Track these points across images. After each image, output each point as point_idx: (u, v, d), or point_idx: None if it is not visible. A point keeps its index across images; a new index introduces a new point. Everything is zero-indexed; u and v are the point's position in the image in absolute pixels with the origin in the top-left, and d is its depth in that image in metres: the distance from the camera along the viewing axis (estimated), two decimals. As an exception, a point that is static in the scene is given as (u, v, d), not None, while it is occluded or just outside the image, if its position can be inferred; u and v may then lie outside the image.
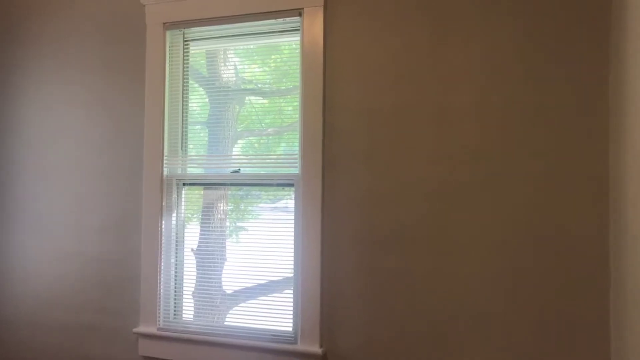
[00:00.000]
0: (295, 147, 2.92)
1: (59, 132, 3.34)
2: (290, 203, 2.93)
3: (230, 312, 3.07)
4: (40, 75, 3.40)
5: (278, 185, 2.95)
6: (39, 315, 3.36)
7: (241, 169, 3.01)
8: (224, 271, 3.08)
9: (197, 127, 3.17)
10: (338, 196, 2.75)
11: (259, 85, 3.09)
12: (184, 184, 3.12)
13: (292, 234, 2.86)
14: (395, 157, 2.67)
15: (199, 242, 3.14)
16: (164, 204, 3.08)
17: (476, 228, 2.54)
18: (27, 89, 3.43)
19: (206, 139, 3.19)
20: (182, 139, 3.12)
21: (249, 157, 3.09)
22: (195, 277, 3.13)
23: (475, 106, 2.56)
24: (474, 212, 2.55)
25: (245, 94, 3.11)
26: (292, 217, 2.87)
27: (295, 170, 2.86)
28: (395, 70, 2.69)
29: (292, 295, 2.85)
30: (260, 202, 3.06)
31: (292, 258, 2.85)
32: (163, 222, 3.07)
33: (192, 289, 3.13)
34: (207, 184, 3.13)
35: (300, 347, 2.76)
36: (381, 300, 2.67)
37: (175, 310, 3.09)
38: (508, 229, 2.50)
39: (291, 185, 2.88)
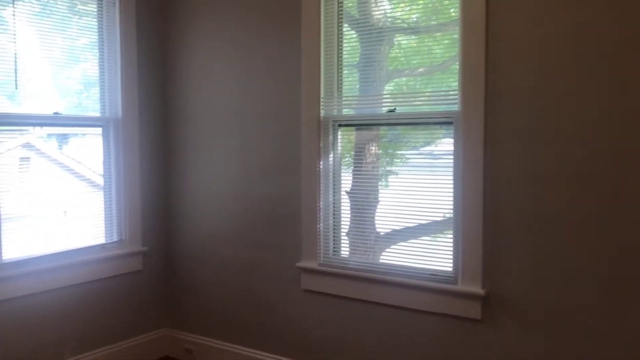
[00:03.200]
0: (448, 86, 2.82)
1: (223, 81, 3.53)
2: (446, 142, 2.85)
3: (386, 251, 3.11)
4: (203, 28, 3.59)
5: (435, 123, 2.87)
6: (208, 252, 3.66)
7: (396, 108, 2.97)
8: (377, 212, 3.11)
9: (348, 70, 3.17)
10: (501, 132, 2.61)
11: (409, 23, 3.00)
12: (339, 125, 3.16)
13: (449, 172, 2.78)
14: (569, 89, 2.45)
15: (352, 183, 3.19)
16: (321, 145, 3.15)
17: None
18: (193, 42, 3.65)
19: (358, 81, 3.19)
20: (337, 81, 3.14)
21: (404, 94, 3.04)
22: (349, 218, 3.20)
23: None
24: (661, 146, 2.29)
25: (395, 33, 3.04)
26: (448, 156, 2.79)
27: (454, 107, 2.76)
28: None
29: (451, 235, 2.81)
30: (414, 142, 3.02)
31: (450, 197, 2.79)
32: (321, 163, 3.15)
33: (346, 230, 3.21)
34: (362, 125, 3.15)
35: (461, 287, 2.73)
36: (549, 241, 2.52)
37: (334, 248, 3.20)
38: None
39: (449, 123, 2.79)
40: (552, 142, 2.49)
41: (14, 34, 3.05)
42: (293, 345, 3.31)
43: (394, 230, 3.08)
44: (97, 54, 3.49)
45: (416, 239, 2.99)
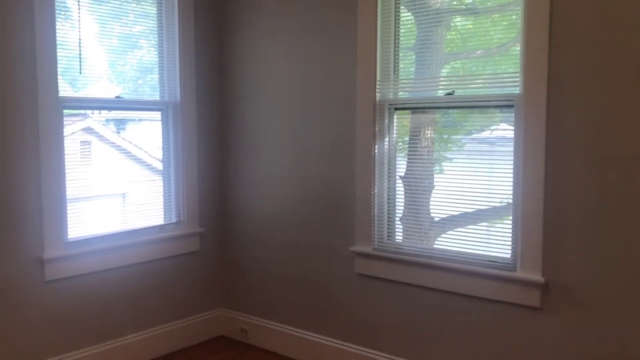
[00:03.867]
0: (506, 69, 2.74)
1: (279, 64, 3.55)
2: (504, 127, 2.78)
3: (441, 237, 3.08)
4: (261, 12, 3.61)
5: (495, 106, 2.80)
6: (263, 234, 3.71)
7: (455, 91, 2.91)
8: (432, 197, 3.07)
9: (404, 52, 3.12)
10: (565, 116, 2.52)
11: (466, 5, 2.93)
12: (395, 109, 3.12)
13: (507, 157, 2.71)
14: (637, 71, 2.34)
15: (407, 168, 3.16)
16: (376, 129, 3.12)
17: None
18: (250, 25, 3.68)
19: (414, 64, 3.14)
20: (393, 64, 3.10)
21: (461, 77, 2.97)
22: (402, 203, 3.17)
23: None
24: None
25: (452, 15, 2.97)
26: (505, 140, 2.73)
27: (515, 90, 2.68)
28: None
29: (509, 221, 2.74)
30: (470, 127, 2.96)
31: (509, 182, 2.72)
32: (376, 147, 3.13)
33: (400, 215, 3.19)
34: (419, 108, 3.10)
35: (520, 274, 2.67)
36: (614, 228, 2.43)
37: (388, 232, 3.18)
38: None
39: (509, 106, 2.71)
40: (617, 126, 2.39)
41: (78, 21, 3.15)
42: (347, 328, 3.33)
43: (450, 216, 3.04)
44: (156, 39, 3.56)
45: (473, 225, 2.94)
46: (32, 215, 2.98)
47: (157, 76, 3.60)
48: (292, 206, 3.54)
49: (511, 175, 2.71)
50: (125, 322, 3.43)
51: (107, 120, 3.52)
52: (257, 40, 3.64)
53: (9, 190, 2.90)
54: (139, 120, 3.68)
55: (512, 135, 2.69)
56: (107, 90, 3.36)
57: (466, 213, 2.93)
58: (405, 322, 3.09)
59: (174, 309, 3.69)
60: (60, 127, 3.08)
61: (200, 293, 3.84)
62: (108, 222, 3.41)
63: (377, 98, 3.12)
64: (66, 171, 3.13)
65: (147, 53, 3.57)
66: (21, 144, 2.94)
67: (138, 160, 3.61)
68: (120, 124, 3.60)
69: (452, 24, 2.99)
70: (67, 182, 3.13)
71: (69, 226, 3.16)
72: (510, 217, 2.73)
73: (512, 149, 2.70)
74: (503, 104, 2.75)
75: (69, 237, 3.16)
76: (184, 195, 3.70)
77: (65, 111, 3.15)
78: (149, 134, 3.64)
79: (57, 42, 3.03)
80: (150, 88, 3.61)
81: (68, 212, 3.15)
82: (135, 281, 3.47)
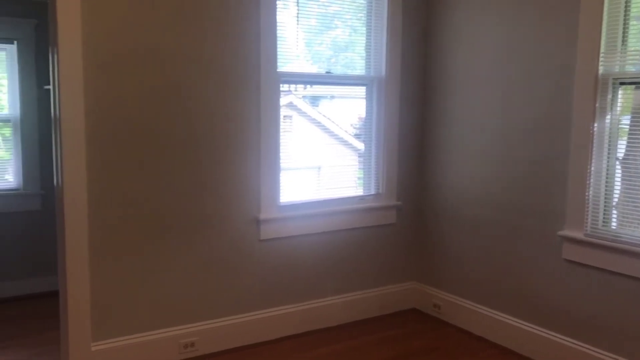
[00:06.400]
0: None
1: (486, 35, 3.43)
2: None
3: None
4: (468, -18, 3.53)
5: None
6: (461, 211, 3.66)
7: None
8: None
9: (636, 22, 2.81)
10: None
11: None
12: (620, 83, 2.84)
13: None
14: None
15: (626, 150, 2.87)
16: (597, 105, 2.88)
17: None
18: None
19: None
20: (621, 34, 2.82)
21: None
22: (619, 188, 2.89)
23: None
24: None
25: None
26: None
27: None
28: None
29: None
30: None
31: None
32: (595, 125, 2.89)
33: (615, 200, 2.91)
34: (650, 83, 2.79)
35: None
36: None
37: (604, 218, 2.93)
38: None
39: None
40: None
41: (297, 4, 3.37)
42: (548, 315, 3.16)
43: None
44: (363, 16, 3.66)
45: None
46: (252, 179, 3.30)
47: (350, 53, 3.69)
48: (494, 185, 3.43)
49: None
50: (325, 284, 3.65)
51: (305, 97, 3.71)
52: (463, 11, 3.55)
53: (234, 160, 3.23)
54: (339, 97, 3.82)
55: None
56: (304, 67, 3.54)
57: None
58: (617, 316, 2.84)
59: (370, 277, 3.83)
60: (277, 99, 3.35)
61: (395, 265, 3.93)
62: (310, 190, 3.64)
63: (600, 72, 2.86)
64: (281, 142, 3.40)
65: (341, 33, 3.67)
66: (247, 117, 3.25)
67: (334, 135, 3.76)
68: (317, 99, 3.77)
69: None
70: (281, 152, 3.40)
71: (281, 191, 3.43)
72: None
73: None
74: None
75: (281, 201, 3.44)
76: (383, 168, 3.79)
77: (284, 85, 3.41)
78: (348, 109, 3.77)
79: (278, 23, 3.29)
80: (342, 66, 3.69)
81: (281, 178, 3.43)
82: (335, 247, 3.66)
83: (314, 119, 3.72)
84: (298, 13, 3.43)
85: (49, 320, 3.72)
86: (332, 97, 3.82)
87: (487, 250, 3.50)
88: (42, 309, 4.01)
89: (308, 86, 3.70)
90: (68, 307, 2.85)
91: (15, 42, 4.14)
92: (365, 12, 3.67)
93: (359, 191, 3.80)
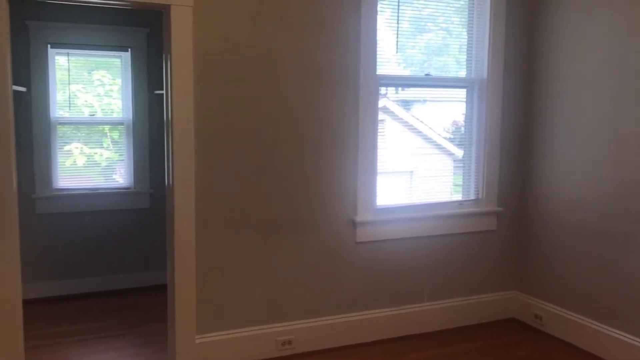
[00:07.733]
0: None
1: (594, 36, 3.25)
2: None
3: None
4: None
5: None
6: (566, 219, 3.48)
7: None
8: None
9: None
10: None
11: None
12: None
13: None
14: None
15: None
16: None
17: None
18: (564, -6, 3.45)
19: None
20: None
21: None
22: None
23: None
24: None
25: None
26: None
27: None
28: None
29: None
30: None
31: None
32: None
33: None
34: None
35: None
36: None
37: None
38: None
39: None
40: None
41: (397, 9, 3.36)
42: (665, 334, 2.94)
43: None
44: (466, 16, 3.59)
45: None
46: (349, 182, 3.32)
47: (444, 57, 3.60)
48: (603, 191, 3.24)
49: None
50: (422, 290, 3.60)
51: (397, 101, 3.66)
52: (571, 12, 3.38)
53: (332, 163, 3.27)
54: (432, 100, 3.75)
55: None
56: (398, 71, 3.51)
57: None
58: None
59: (468, 285, 3.74)
60: (375, 102, 3.36)
61: (495, 272, 3.81)
62: (403, 195, 3.60)
63: None
64: (379, 145, 3.40)
65: (435, 37, 3.60)
66: (347, 120, 3.28)
67: (427, 139, 3.69)
68: (410, 103, 3.71)
69: None
70: (378, 155, 3.40)
71: (377, 194, 3.43)
72: None
73: None
74: None
75: (377, 204, 3.43)
76: (484, 173, 3.69)
77: (382, 88, 3.40)
78: (441, 113, 3.70)
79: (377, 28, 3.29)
80: (435, 69, 3.60)
81: (377, 182, 3.43)
82: (433, 252, 3.60)
83: (407, 123, 3.68)
84: (398, 16, 3.42)
85: (151, 313, 3.95)
86: (425, 100, 3.76)
87: (595, 259, 3.31)
88: (144, 302, 4.24)
89: (400, 89, 3.67)
90: (175, 300, 3.00)
91: (129, 49, 4.42)
92: (466, 12, 3.59)
93: (455, 196, 3.72)
